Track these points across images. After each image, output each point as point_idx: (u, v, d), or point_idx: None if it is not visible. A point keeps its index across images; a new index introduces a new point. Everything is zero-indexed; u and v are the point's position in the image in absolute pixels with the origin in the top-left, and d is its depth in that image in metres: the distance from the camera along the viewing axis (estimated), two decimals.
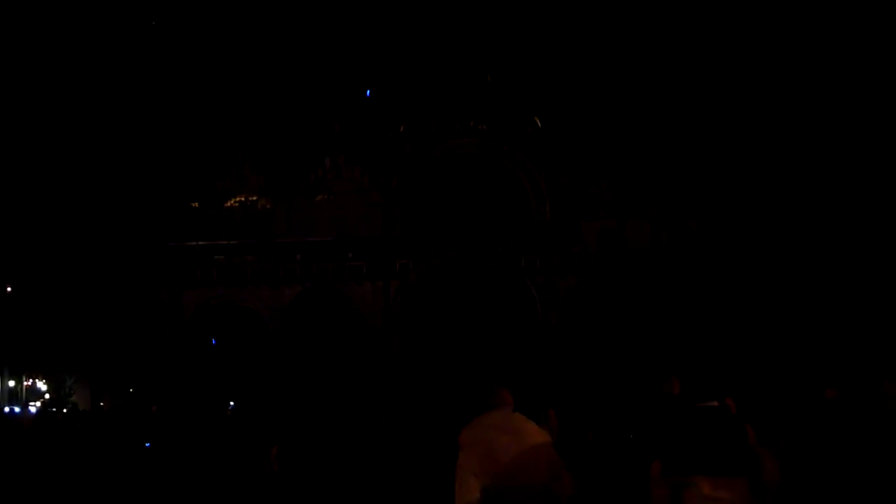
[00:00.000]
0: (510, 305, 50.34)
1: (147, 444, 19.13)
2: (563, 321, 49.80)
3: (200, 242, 53.14)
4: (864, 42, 49.69)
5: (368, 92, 54.43)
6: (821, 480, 5.48)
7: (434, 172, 54.06)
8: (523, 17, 54.42)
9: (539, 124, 54.54)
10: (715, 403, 6.02)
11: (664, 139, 52.32)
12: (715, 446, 5.69)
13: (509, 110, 54.46)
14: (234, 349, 50.50)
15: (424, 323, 50.11)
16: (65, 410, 36.01)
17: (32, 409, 50.22)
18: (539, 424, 6.04)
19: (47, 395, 55.82)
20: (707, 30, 52.53)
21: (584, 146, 53.26)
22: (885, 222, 46.89)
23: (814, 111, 49.76)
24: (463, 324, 49.08)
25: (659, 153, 52.34)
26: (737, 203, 50.50)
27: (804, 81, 50.66)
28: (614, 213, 51.64)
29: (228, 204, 54.65)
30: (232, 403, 46.23)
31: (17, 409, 48.26)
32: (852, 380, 6.26)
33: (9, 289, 52.05)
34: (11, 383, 54.31)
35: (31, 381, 55.41)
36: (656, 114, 52.41)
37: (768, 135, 50.70)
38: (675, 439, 5.79)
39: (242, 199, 54.63)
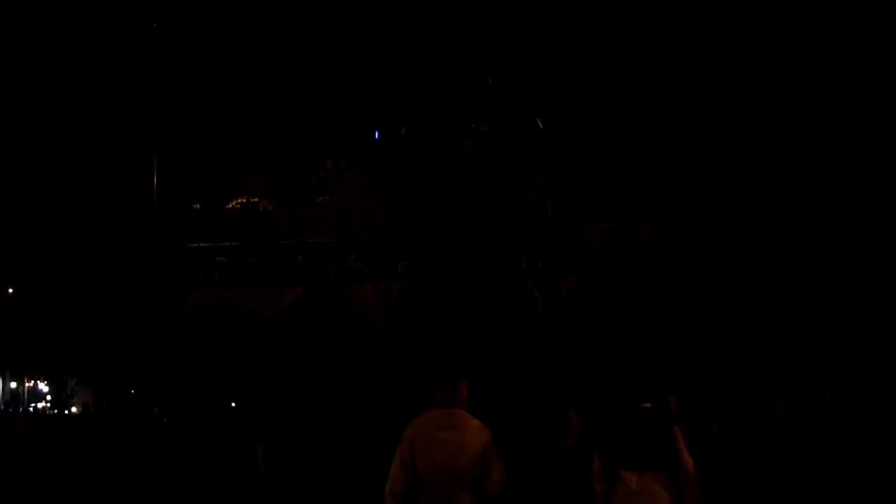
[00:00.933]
0: (511, 307, 50.32)
1: (149, 446, 19.17)
2: (565, 322, 49.76)
3: (202, 244, 53.13)
4: (864, 42, 49.70)
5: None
6: (721, 475, 6.07)
7: (435, 174, 54.06)
8: (525, 19, 54.45)
9: (540, 125, 54.52)
10: (647, 405, 6.67)
11: (666, 140, 52.30)
12: (642, 444, 6.38)
13: (511, 112, 54.45)
14: (236, 351, 50.48)
15: (426, 324, 50.08)
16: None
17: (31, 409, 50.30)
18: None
19: (49, 397, 55.93)
20: (708, 31, 52.56)
21: (585, 147, 53.24)
22: (887, 224, 46.89)
23: (815, 111, 49.78)
24: (465, 325, 49.07)
25: (660, 154, 52.32)
26: (738, 204, 50.47)
27: (804, 81, 50.67)
28: (616, 215, 51.62)
29: (230, 205, 54.66)
30: (234, 405, 46.32)
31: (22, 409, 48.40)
32: (737, 385, 6.58)
33: (11, 290, 52.11)
34: (13, 385, 54.39)
35: (32, 382, 55.52)
36: (658, 115, 52.40)
37: (770, 136, 50.69)
38: (609, 438, 6.49)
39: (244, 200, 54.64)
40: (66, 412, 50.10)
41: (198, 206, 54.60)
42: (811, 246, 47.69)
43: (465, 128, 54.20)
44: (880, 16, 48.96)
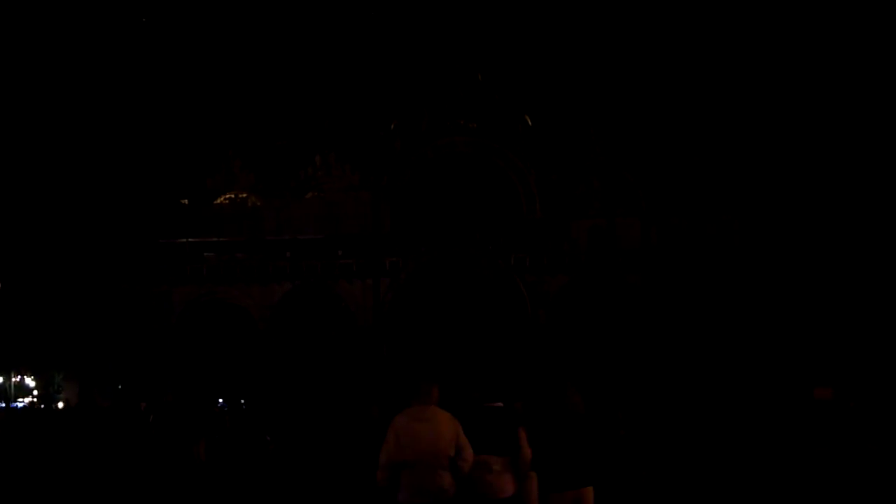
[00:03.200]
0: (500, 303, 50.36)
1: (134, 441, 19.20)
2: (553, 319, 49.85)
3: (190, 239, 53.08)
4: (852, 34, 49.86)
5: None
6: (539, 454, 8.33)
7: (424, 171, 54.07)
8: (514, 17, 54.46)
9: (529, 123, 54.58)
10: (499, 404, 8.59)
11: (654, 137, 52.41)
12: (491, 434, 8.26)
13: (500, 109, 54.50)
14: (224, 346, 50.44)
15: (414, 321, 50.11)
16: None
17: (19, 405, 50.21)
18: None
19: (35, 392, 55.76)
20: (696, 28, 52.64)
21: (574, 144, 53.32)
22: (876, 220, 47.08)
23: (804, 108, 49.91)
24: (452, 321, 49.10)
25: (649, 151, 52.43)
26: (726, 201, 50.61)
27: (793, 78, 50.80)
28: (604, 212, 51.72)
29: (218, 201, 54.59)
30: (221, 400, 46.28)
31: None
32: (544, 384, 9.01)
33: None
34: (0, 380, 54.23)
35: (19, 377, 55.33)
36: (646, 112, 52.49)
37: (758, 133, 50.82)
38: (471, 429, 8.16)
39: (232, 196, 54.58)
40: (52, 407, 49.97)
41: (186, 201, 54.52)
42: (801, 242, 47.87)
43: (454, 125, 54.23)
44: (863, 12, 49.12)
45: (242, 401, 47.34)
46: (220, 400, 46.39)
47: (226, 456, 17.98)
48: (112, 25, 55.42)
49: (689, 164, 51.68)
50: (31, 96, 54.14)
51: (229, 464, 17.80)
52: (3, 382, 54.52)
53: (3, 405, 47.66)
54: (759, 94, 51.28)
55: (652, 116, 52.49)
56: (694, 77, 52.27)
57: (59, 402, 53.50)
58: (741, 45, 51.93)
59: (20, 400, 54.32)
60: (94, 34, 54.96)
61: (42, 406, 51.15)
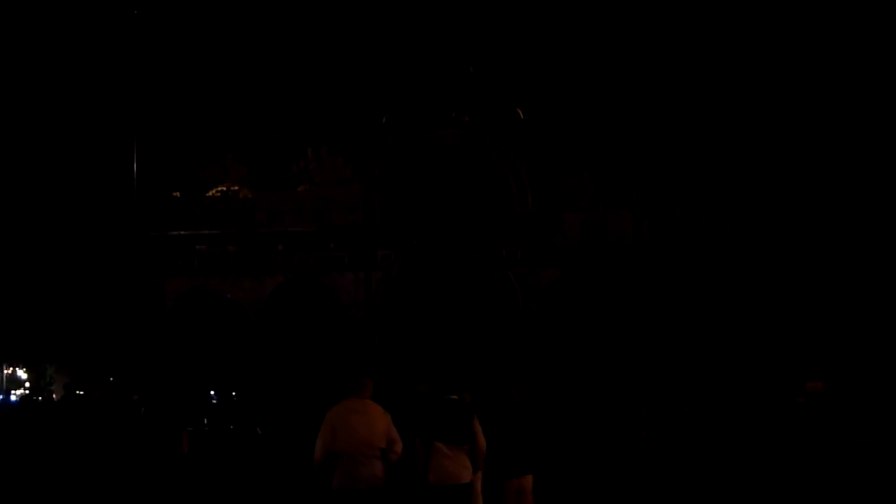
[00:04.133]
0: (491, 297, 50.45)
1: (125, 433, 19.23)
2: (544, 313, 49.94)
3: (182, 232, 53.07)
4: (846, 31, 49.89)
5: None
6: (491, 445, 9.17)
7: (416, 163, 54.07)
8: (506, 9, 54.40)
9: (521, 115, 54.58)
10: (455, 397, 9.29)
11: (646, 130, 52.42)
12: (450, 424, 8.99)
13: (492, 101, 54.49)
14: (216, 339, 50.48)
15: (406, 314, 50.20)
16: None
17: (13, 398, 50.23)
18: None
19: (28, 384, 55.81)
20: (687, 19, 52.62)
21: (566, 137, 53.31)
22: (870, 215, 47.17)
23: (795, 100, 49.93)
24: (444, 315, 49.20)
25: (641, 144, 52.45)
26: (719, 195, 50.66)
27: (785, 70, 50.81)
28: (596, 205, 51.76)
29: (210, 194, 54.55)
30: (213, 392, 46.36)
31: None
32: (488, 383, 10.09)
33: None
34: None
35: (11, 369, 55.37)
36: (638, 104, 52.48)
37: (751, 126, 50.85)
38: (428, 420, 9.04)
39: (224, 188, 54.55)
40: (44, 398, 49.93)
41: (178, 194, 54.51)
42: (793, 236, 47.95)
43: (445, 118, 54.21)
44: (858, 10, 49.14)
45: (234, 393, 47.42)
46: (212, 392, 46.49)
47: (210, 449, 18.09)
48: (102, 18, 55.28)
49: (681, 157, 51.72)
50: (20, 89, 54.03)
51: (213, 457, 17.91)
52: None
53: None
54: (752, 88, 51.30)
55: (644, 109, 52.49)
56: (687, 69, 52.27)
57: (52, 393, 53.51)
58: (736, 37, 51.92)
59: (14, 392, 54.37)
60: (85, 27, 54.83)
61: (34, 398, 51.16)
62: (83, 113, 54.20)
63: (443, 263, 50.89)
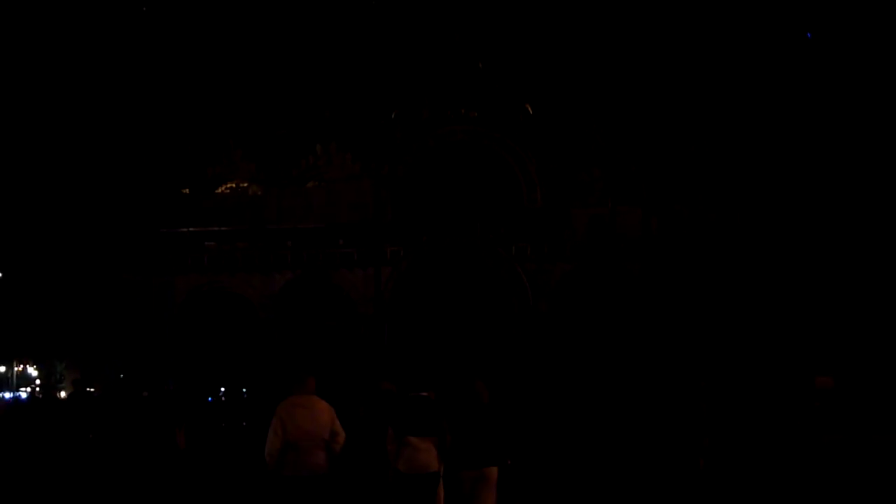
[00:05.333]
0: (501, 293, 50.45)
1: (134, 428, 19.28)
2: (554, 308, 49.91)
3: (192, 229, 53.16)
4: (855, 30, 49.79)
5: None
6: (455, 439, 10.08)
7: (425, 159, 54.08)
8: (514, 5, 54.37)
9: (530, 111, 54.56)
10: (424, 394, 10.22)
11: (655, 126, 52.36)
12: (420, 419, 9.90)
13: (500, 97, 54.47)
14: (225, 336, 50.55)
15: (415, 310, 50.20)
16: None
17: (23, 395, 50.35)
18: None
19: (38, 381, 55.96)
20: (697, 16, 52.55)
21: (575, 133, 53.28)
22: (877, 211, 47.07)
23: (804, 97, 49.85)
24: (454, 311, 49.19)
25: (650, 140, 52.39)
26: (728, 191, 50.59)
27: (794, 67, 50.73)
28: (605, 201, 51.72)
29: (220, 190, 54.63)
30: (223, 389, 46.40)
31: (6, 395, 48.42)
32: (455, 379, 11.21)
33: (0, 275, 52.07)
34: (2, 369, 54.42)
35: (21, 366, 55.53)
36: (647, 100, 52.43)
37: (760, 122, 50.77)
38: (400, 414, 9.99)
39: (234, 185, 54.61)
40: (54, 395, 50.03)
41: (187, 191, 54.57)
42: (800, 232, 47.86)
43: (455, 113, 54.21)
44: (872, 10, 49.05)
45: (244, 389, 47.51)
46: (222, 389, 46.58)
47: (208, 444, 18.19)
48: (112, 16, 55.37)
49: (690, 153, 51.67)
50: (31, 87, 54.16)
51: (214, 452, 18.00)
52: (6, 372, 54.71)
53: (8, 395, 47.78)
54: (762, 85, 51.21)
55: (654, 105, 52.45)
56: (696, 65, 52.20)
57: (61, 391, 53.68)
58: (745, 32, 51.85)
59: (22, 389, 54.51)
60: (95, 25, 54.93)
61: (43, 395, 51.28)
62: (93, 111, 54.32)
63: (452, 259, 50.88)
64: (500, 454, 10.42)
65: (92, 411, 17.92)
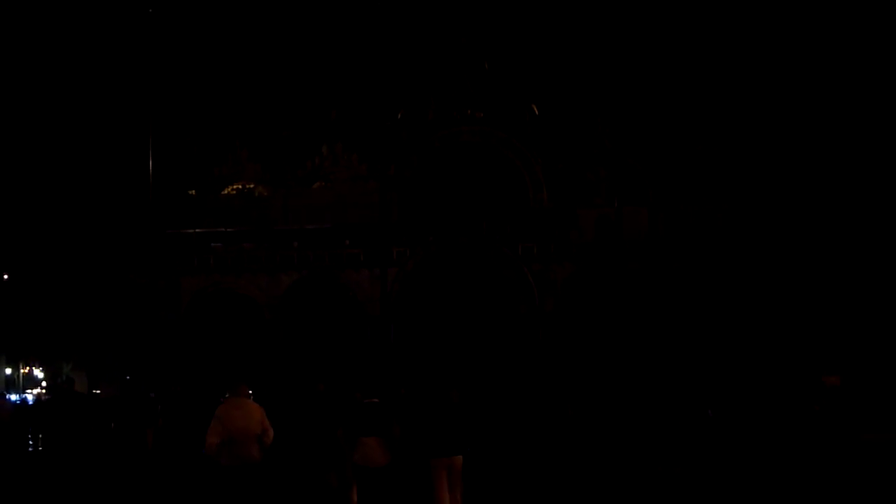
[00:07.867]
0: (507, 293, 50.38)
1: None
2: (560, 308, 49.83)
3: (198, 230, 53.16)
4: (860, 31, 49.71)
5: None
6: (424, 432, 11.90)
7: (431, 160, 54.07)
8: (520, 5, 54.33)
9: (536, 112, 54.50)
10: (376, 400, 12.23)
11: (662, 126, 52.31)
12: (368, 422, 11.84)
13: (507, 98, 54.44)
14: (231, 337, 50.49)
15: (421, 310, 50.13)
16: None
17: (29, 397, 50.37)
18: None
19: (44, 383, 55.99)
20: (703, 17, 52.49)
21: (581, 133, 53.25)
22: (881, 211, 46.98)
23: (810, 98, 49.77)
24: (460, 311, 49.12)
25: (656, 140, 52.34)
26: (734, 191, 50.53)
27: (800, 68, 50.65)
28: (611, 201, 51.66)
29: (226, 191, 54.62)
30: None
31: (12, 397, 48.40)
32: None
33: (6, 276, 52.14)
34: (9, 371, 54.47)
35: (28, 368, 55.59)
36: (653, 101, 52.38)
37: (765, 123, 50.70)
38: (352, 419, 12.01)
39: (240, 186, 54.60)
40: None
41: (193, 192, 54.57)
42: (806, 233, 47.77)
43: (461, 114, 54.21)
44: (879, 11, 48.95)
45: (250, 392, 47.33)
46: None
47: (174, 444, 18.16)
48: (117, 16, 55.43)
49: (697, 153, 51.61)
50: (37, 88, 54.23)
51: (176, 452, 17.99)
52: (13, 373, 54.75)
53: (14, 397, 47.79)
54: (768, 85, 51.15)
55: (659, 105, 52.39)
56: (701, 65, 52.13)
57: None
58: (750, 32, 51.78)
59: (28, 391, 54.55)
60: (100, 25, 55.00)
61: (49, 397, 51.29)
62: (99, 112, 54.38)
63: (458, 260, 50.81)
64: (465, 445, 12.03)
65: (71, 413, 17.85)
